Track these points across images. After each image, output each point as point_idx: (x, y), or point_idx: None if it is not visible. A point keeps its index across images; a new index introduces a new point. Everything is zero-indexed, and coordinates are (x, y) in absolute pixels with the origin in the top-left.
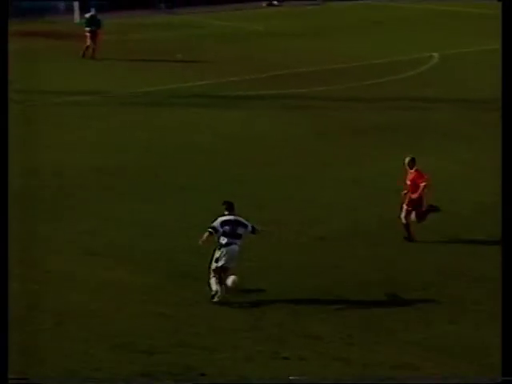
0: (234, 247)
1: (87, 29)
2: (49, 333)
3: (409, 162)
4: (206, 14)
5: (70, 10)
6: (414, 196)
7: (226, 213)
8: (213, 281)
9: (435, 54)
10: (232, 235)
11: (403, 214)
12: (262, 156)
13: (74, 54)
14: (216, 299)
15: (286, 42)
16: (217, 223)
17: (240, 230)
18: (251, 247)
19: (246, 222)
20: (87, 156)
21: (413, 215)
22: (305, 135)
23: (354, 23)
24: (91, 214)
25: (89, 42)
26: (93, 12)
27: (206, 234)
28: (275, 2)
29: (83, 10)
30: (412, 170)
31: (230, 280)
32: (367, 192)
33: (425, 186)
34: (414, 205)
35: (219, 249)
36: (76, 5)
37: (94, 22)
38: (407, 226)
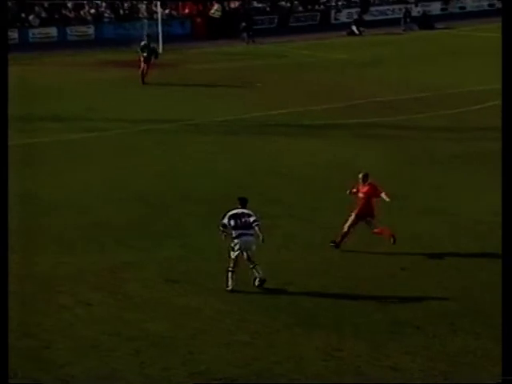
0: (246, 238)
1: (144, 54)
2: (128, 359)
3: (363, 177)
4: (287, 43)
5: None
6: (366, 210)
7: (239, 207)
8: (228, 275)
9: None
10: (241, 227)
11: (348, 224)
12: (348, 183)
13: (158, 83)
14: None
15: (368, 70)
16: (225, 219)
17: (247, 220)
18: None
19: (251, 213)
20: (171, 183)
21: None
22: (387, 164)
23: (436, 52)
24: (174, 240)
25: (142, 65)
26: (145, 41)
27: (220, 233)
28: (356, 31)
29: (166, 40)
30: (365, 184)
31: (259, 278)
32: (453, 222)
33: (386, 194)
34: (364, 216)
35: (232, 241)
36: (160, 36)
37: (148, 51)
38: (345, 234)
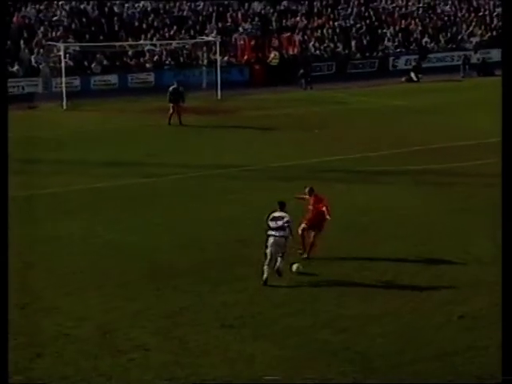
0: (276, 239)
1: (170, 104)
2: None
3: (309, 191)
4: (344, 90)
5: (211, 86)
6: (315, 220)
7: (278, 209)
8: (264, 268)
9: None
10: (276, 228)
11: (300, 228)
12: (411, 232)
13: (215, 129)
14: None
15: (425, 117)
16: (268, 221)
17: (281, 222)
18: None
19: (285, 216)
20: (227, 229)
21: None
22: (446, 210)
23: (495, 99)
24: (229, 286)
25: (171, 110)
26: (175, 85)
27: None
28: (414, 78)
29: (225, 87)
30: (311, 197)
31: (294, 266)
32: None
33: (326, 208)
34: (314, 226)
35: (267, 239)
36: (218, 83)
37: (176, 95)
38: (303, 237)
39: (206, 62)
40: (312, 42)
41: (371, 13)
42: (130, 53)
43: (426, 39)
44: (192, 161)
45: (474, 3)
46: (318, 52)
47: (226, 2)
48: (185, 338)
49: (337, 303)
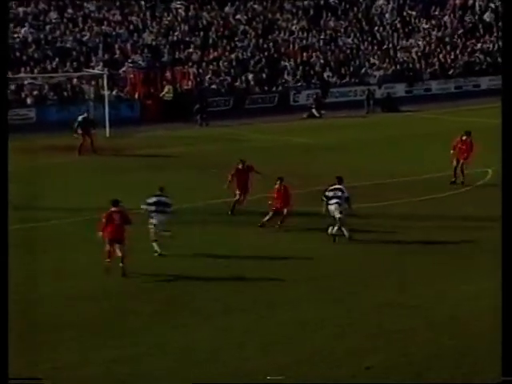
0: (332, 206)
1: (79, 132)
2: None
3: (279, 179)
4: (243, 126)
5: (99, 123)
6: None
7: (336, 183)
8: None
9: (489, 170)
10: (332, 197)
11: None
12: (320, 276)
13: (105, 169)
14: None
15: (329, 155)
16: (327, 192)
17: (338, 194)
18: None
19: (344, 190)
20: (104, 280)
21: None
22: (352, 255)
23: (401, 136)
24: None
25: (82, 140)
26: (85, 114)
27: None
28: (316, 114)
29: (114, 124)
30: (278, 186)
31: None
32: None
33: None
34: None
35: (324, 207)
36: (107, 120)
37: (87, 123)
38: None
39: (92, 96)
40: (208, 76)
41: (270, 45)
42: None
43: (327, 73)
44: (77, 203)
45: (378, 36)
46: (214, 86)
47: (113, 33)
48: None
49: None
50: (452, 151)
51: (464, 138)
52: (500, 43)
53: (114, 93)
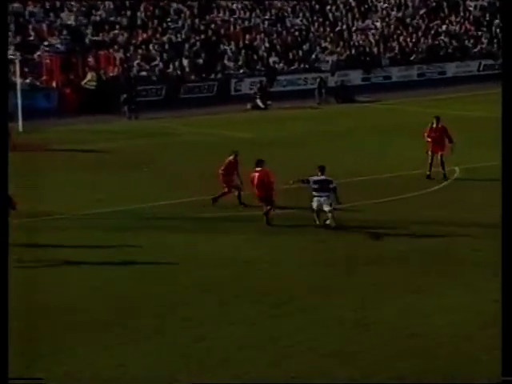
0: (320, 199)
1: None
2: None
3: (257, 162)
4: (177, 119)
5: (11, 114)
6: (263, 193)
7: (319, 174)
8: (314, 216)
9: (456, 168)
10: (320, 190)
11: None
12: (268, 290)
13: (18, 170)
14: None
15: (275, 151)
16: (310, 181)
17: (327, 186)
18: None
19: (331, 181)
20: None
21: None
22: (301, 264)
23: (357, 129)
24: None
25: None
26: None
27: (299, 181)
28: (261, 105)
29: (28, 116)
30: (258, 169)
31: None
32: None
33: (273, 182)
34: (264, 200)
35: (312, 199)
36: (19, 111)
37: None
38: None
39: None
40: (136, 61)
41: (207, 26)
42: None
43: (273, 58)
44: None
45: (330, 16)
46: (143, 73)
47: (26, 11)
48: None
49: None
50: (428, 139)
51: (434, 125)
52: (467, 24)
53: (27, 81)
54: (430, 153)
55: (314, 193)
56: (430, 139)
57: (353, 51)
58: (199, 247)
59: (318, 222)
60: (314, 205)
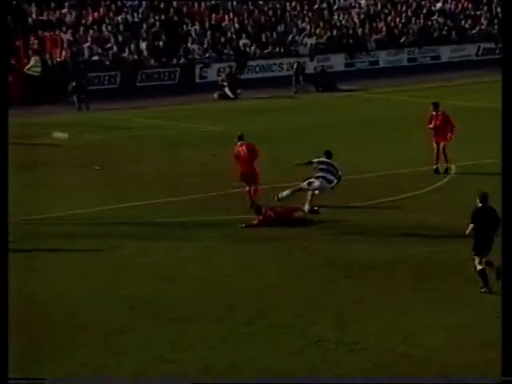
0: (323, 181)
1: None
2: None
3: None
4: (133, 110)
5: None
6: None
7: (325, 156)
8: (308, 196)
9: (453, 166)
10: (327, 171)
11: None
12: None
13: None
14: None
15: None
16: (314, 162)
17: (333, 171)
18: None
19: (338, 168)
20: None
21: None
22: (278, 275)
23: (340, 122)
24: None
25: None
26: None
27: (302, 163)
28: (230, 94)
29: None
30: (240, 143)
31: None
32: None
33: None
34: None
35: (316, 178)
36: None
37: None
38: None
39: None
40: (87, 44)
41: (169, 4)
42: None
43: (244, 41)
44: None
45: None
46: (95, 57)
47: None
48: None
49: None
50: (430, 126)
51: (434, 112)
52: (464, 2)
53: None
54: (434, 144)
55: (320, 173)
56: (431, 126)
57: (334, 33)
58: (157, 257)
59: (306, 207)
60: (316, 184)
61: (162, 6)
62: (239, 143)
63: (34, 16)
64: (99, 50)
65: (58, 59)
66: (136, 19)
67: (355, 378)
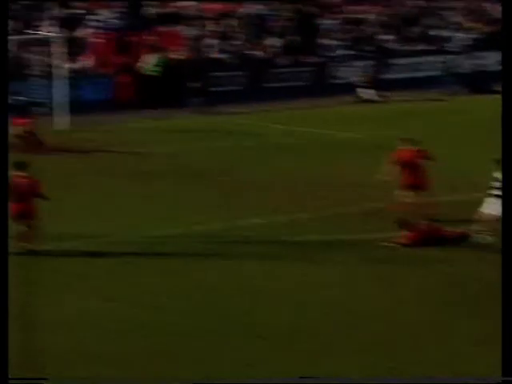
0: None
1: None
2: None
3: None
4: (262, 113)
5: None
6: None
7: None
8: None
9: None
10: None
11: None
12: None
13: (64, 176)
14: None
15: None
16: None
17: None
18: None
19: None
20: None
21: None
22: (424, 304)
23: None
24: None
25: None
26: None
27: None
28: (372, 96)
29: (74, 110)
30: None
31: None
32: None
33: None
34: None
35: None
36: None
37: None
38: None
39: (38, 70)
40: (210, 40)
41: None
42: None
43: (385, 36)
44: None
45: None
46: (221, 55)
47: None
48: None
49: None
50: None
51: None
52: None
53: (74, 66)
54: None
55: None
56: None
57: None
58: (285, 280)
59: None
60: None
61: None
62: (404, 148)
63: (151, 9)
64: (225, 47)
65: (177, 57)
66: (264, 12)
67: (355, 378)
